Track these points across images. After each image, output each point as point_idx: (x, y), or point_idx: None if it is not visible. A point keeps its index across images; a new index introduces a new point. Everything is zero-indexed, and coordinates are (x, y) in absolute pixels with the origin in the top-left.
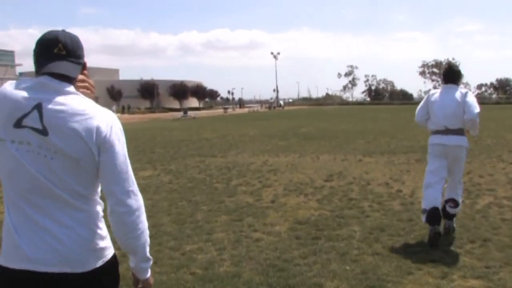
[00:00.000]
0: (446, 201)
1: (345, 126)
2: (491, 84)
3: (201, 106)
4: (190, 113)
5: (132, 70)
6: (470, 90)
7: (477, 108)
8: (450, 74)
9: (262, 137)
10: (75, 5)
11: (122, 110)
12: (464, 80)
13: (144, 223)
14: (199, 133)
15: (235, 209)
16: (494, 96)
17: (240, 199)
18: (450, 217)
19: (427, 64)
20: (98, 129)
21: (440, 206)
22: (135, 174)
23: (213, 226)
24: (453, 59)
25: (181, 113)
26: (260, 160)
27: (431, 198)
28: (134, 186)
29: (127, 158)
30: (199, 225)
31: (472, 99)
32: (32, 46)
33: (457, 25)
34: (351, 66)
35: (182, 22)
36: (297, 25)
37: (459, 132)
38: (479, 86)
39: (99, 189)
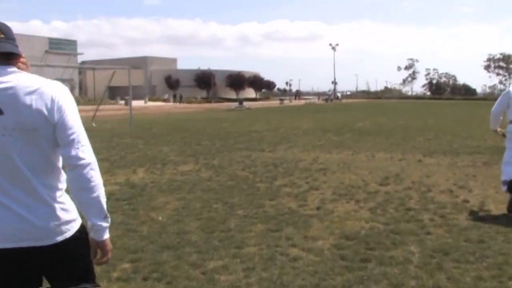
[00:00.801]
0: None
1: (403, 121)
2: None
3: (257, 96)
4: (245, 103)
5: (190, 60)
6: None
7: None
8: None
9: (316, 131)
10: None
11: (174, 99)
12: None
13: (97, 177)
14: (251, 125)
15: (274, 216)
16: None
17: (282, 203)
18: None
19: (493, 57)
20: (50, 98)
21: None
22: (175, 168)
23: (245, 237)
24: None
25: (236, 104)
26: (311, 156)
27: (510, 171)
28: (86, 142)
29: (79, 118)
30: (230, 235)
31: None
32: (96, 36)
33: None
34: (412, 59)
35: (242, 13)
36: (356, 17)
37: None
38: None
39: (60, 161)
